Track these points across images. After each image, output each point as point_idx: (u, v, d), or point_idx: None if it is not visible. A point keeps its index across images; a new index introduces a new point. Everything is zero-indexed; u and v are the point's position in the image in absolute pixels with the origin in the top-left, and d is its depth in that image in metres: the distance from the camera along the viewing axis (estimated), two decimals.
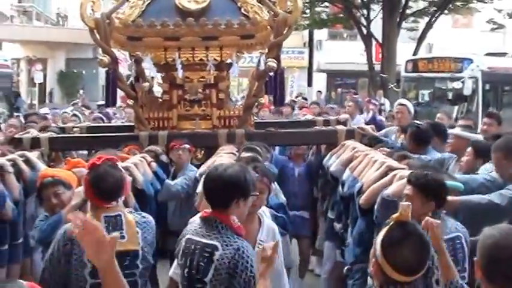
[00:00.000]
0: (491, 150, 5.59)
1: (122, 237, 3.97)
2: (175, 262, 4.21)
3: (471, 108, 16.49)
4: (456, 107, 16.96)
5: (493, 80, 17.37)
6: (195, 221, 4.04)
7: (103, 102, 12.92)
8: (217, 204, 3.87)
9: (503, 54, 20.20)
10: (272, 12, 7.60)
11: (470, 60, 17.23)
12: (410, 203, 3.15)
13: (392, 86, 20.85)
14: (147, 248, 4.11)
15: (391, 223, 3.08)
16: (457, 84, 16.37)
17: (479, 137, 7.15)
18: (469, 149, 6.30)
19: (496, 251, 2.84)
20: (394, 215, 3.08)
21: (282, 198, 6.54)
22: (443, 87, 17.97)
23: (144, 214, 4.33)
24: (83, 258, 3.84)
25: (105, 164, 4.16)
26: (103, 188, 4.02)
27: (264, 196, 4.59)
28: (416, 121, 7.93)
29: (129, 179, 5.21)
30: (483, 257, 2.88)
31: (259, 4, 7.74)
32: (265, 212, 4.80)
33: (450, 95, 17.20)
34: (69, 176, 5.22)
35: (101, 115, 11.79)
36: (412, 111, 9.05)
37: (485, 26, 29.26)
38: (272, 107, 13.71)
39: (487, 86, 17.15)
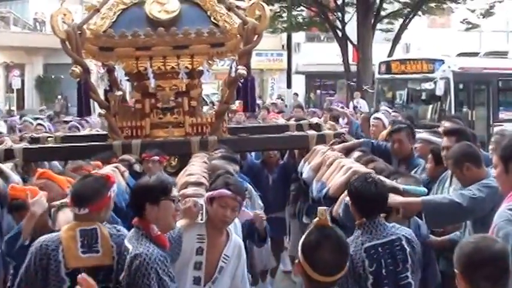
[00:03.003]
0: (446, 159, 5.58)
1: (97, 251, 4.01)
2: None
3: (444, 108, 16.70)
4: (430, 107, 17.24)
5: (465, 80, 17.58)
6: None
7: None
8: (135, 212, 4.05)
9: (475, 54, 20.34)
10: (241, 21, 7.67)
11: (442, 61, 17.43)
12: (326, 208, 3.26)
13: (366, 87, 21.06)
14: (123, 262, 4.01)
15: (311, 227, 3.19)
16: (429, 85, 16.58)
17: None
18: (430, 156, 6.25)
19: (477, 254, 2.92)
20: (315, 220, 3.18)
21: (260, 204, 6.65)
22: (416, 88, 18.15)
23: (118, 227, 4.33)
24: (60, 273, 3.89)
25: (90, 175, 4.33)
26: (73, 194, 4.09)
27: (236, 213, 4.63)
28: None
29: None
30: (465, 265, 2.93)
31: (228, 13, 7.81)
32: (236, 225, 4.89)
33: (423, 96, 17.43)
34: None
35: (76, 124, 11.59)
36: (387, 124, 9.09)
37: (462, 26, 29.47)
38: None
39: (460, 86, 17.35)
